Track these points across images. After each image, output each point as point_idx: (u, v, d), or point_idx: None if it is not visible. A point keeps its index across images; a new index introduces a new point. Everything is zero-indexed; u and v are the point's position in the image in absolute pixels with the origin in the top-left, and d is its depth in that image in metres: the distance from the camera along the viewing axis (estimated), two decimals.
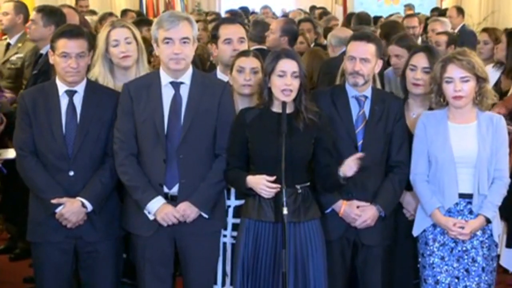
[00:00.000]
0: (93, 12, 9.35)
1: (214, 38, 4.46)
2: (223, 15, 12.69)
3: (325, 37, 7.18)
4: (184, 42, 3.63)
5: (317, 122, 3.67)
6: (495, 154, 3.70)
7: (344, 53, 5.74)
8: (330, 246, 3.81)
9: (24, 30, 5.85)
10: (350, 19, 8.99)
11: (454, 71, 3.67)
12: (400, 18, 10.02)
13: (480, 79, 3.67)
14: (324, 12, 12.03)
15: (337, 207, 3.85)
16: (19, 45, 5.75)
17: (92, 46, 3.88)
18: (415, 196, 3.97)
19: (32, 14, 5.45)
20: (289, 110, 3.62)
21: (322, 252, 3.68)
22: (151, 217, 3.68)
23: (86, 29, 4.36)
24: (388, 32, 6.24)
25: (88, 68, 3.97)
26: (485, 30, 6.00)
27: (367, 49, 3.85)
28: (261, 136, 3.64)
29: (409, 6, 13.60)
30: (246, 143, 3.67)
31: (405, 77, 4.11)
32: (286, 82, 3.58)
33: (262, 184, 3.55)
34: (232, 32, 4.38)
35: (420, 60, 4.06)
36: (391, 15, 10.76)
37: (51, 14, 5.33)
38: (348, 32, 6.05)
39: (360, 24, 7.39)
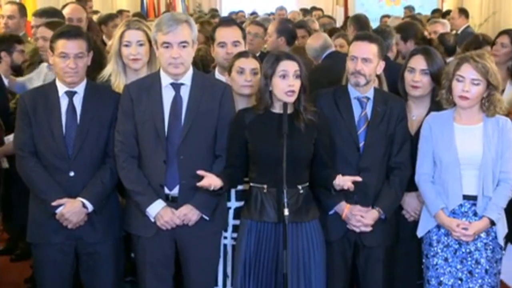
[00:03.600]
0: (95, 12, 9.38)
1: (212, 40, 4.45)
2: (223, 15, 12.70)
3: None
4: (183, 46, 3.61)
5: (317, 122, 3.66)
6: (500, 156, 3.68)
7: (326, 57, 5.79)
8: (331, 247, 3.81)
9: (24, 31, 5.90)
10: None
11: (467, 71, 3.65)
12: (399, 20, 10.01)
13: (491, 86, 3.65)
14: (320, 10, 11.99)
15: (340, 209, 3.85)
16: None
17: (92, 47, 3.86)
18: (415, 197, 3.98)
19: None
20: (289, 110, 3.59)
21: (322, 251, 3.68)
22: (152, 219, 3.67)
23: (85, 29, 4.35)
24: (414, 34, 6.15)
25: (102, 66, 3.93)
26: (505, 32, 5.89)
27: (369, 49, 3.84)
28: (262, 137, 3.62)
29: (408, 8, 13.63)
30: (245, 144, 3.65)
31: (403, 79, 4.09)
32: (289, 83, 3.56)
33: None
34: (227, 35, 4.34)
35: (419, 62, 4.04)
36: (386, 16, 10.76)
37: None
38: (320, 38, 6.02)
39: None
